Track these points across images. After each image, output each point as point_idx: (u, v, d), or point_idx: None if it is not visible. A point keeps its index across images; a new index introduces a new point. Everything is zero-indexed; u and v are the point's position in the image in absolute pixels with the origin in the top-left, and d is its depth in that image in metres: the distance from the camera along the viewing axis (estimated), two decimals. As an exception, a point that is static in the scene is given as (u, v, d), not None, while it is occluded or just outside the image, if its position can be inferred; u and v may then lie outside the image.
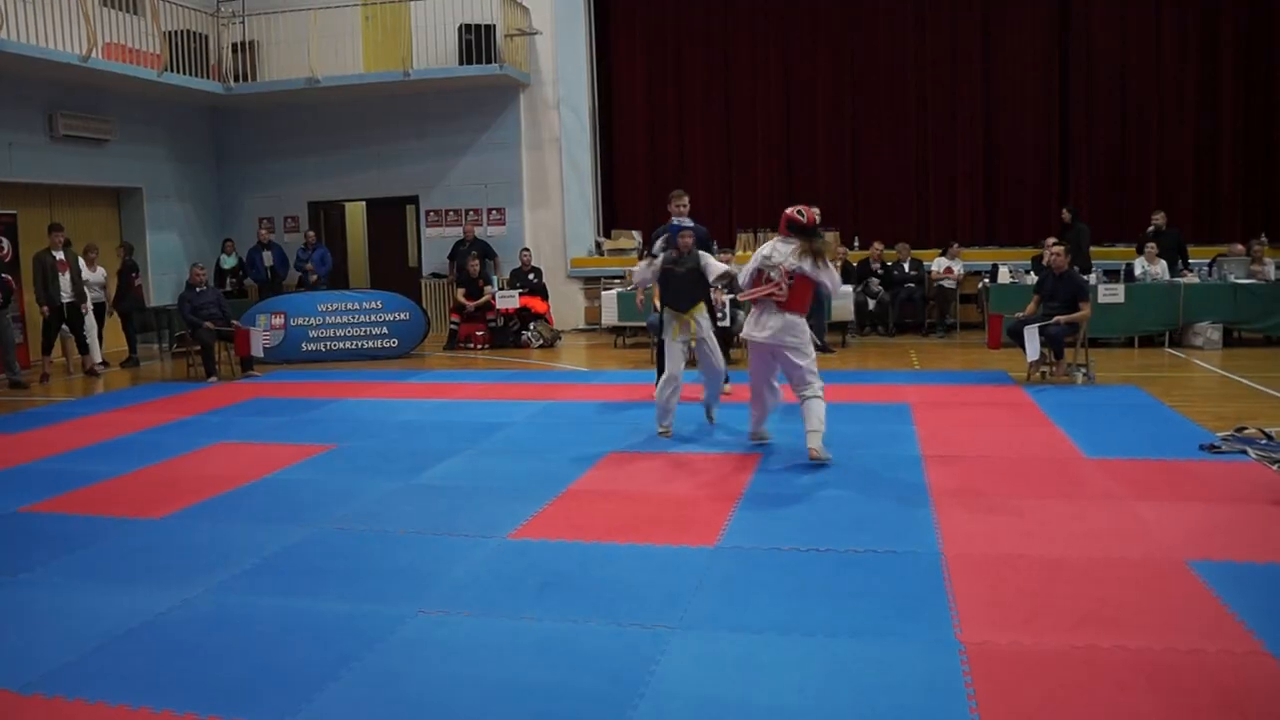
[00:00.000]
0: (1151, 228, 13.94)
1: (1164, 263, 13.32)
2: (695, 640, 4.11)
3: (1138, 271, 13.29)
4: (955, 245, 14.90)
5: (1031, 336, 9.81)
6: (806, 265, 6.90)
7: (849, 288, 13.70)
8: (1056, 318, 10.01)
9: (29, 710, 3.72)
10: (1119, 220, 15.73)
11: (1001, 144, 16.17)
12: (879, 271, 14.79)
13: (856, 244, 15.68)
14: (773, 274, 6.97)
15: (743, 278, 7.22)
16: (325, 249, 16.41)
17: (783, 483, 6.55)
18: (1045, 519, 5.57)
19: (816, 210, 7.18)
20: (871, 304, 14.58)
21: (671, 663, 3.90)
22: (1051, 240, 12.19)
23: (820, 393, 7.00)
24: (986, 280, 14.00)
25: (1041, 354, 10.00)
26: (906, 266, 14.79)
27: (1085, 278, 11.50)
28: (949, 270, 14.54)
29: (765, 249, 7.10)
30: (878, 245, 14.98)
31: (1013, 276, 13.45)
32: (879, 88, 16.51)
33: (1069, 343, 10.17)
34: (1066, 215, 14.52)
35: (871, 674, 3.75)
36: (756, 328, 7.06)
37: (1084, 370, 10.10)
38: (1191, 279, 12.88)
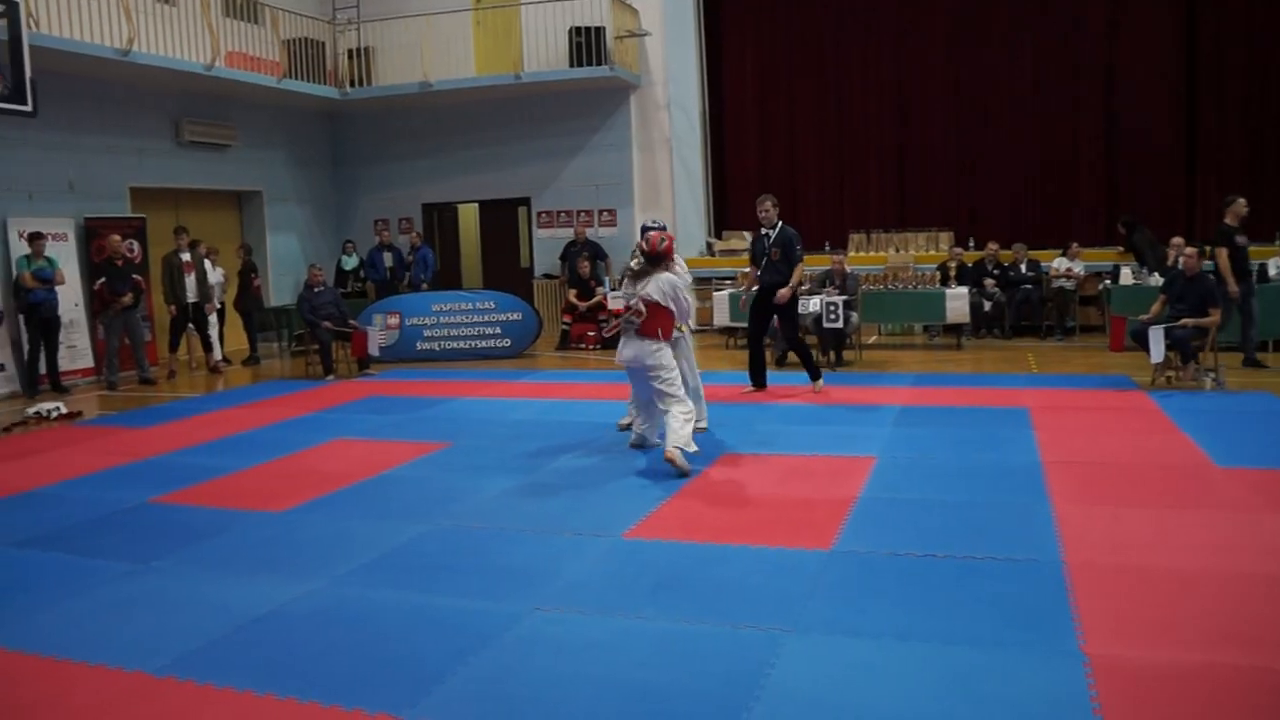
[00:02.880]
0: None
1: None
2: (811, 644, 4.08)
3: (1272, 271, 12.75)
4: (1075, 245, 14.50)
5: (1157, 338, 9.51)
6: (654, 292, 7.18)
7: (964, 289, 13.46)
8: (1184, 320, 9.68)
9: (161, 692, 3.88)
10: (1250, 218, 15.11)
11: (1124, 140, 15.67)
12: (994, 272, 14.48)
13: (971, 244, 15.38)
14: (632, 302, 7.29)
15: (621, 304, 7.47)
16: (428, 248, 16.73)
17: (898, 487, 6.47)
18: (1174, 529, 5.40)
19: (661, 235, 7.36)
20: (987, 305, 14.28)
21: (787, 666, 3.88)
22: (1179, 240, 11.81)
23: (677, 410, 7.15)
24: (1108, 281, 13.61)
25: (1167, 357, 9.69)
26: (1024, 267, 14.45)
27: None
28: (1069, 271, 14.17)
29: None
30: (993, 245, 14.67)
31: (1135, 278, 13.04)
32: (996, 83, 16.15)
33: (1196, 346, 9.83)
34: (1122, 228, 14.08)
35: (991, 685, 3.68)
36: (623, 350, 7.35)
37: (1213, 375, 9.75)
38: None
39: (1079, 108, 15.82)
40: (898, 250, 15.85)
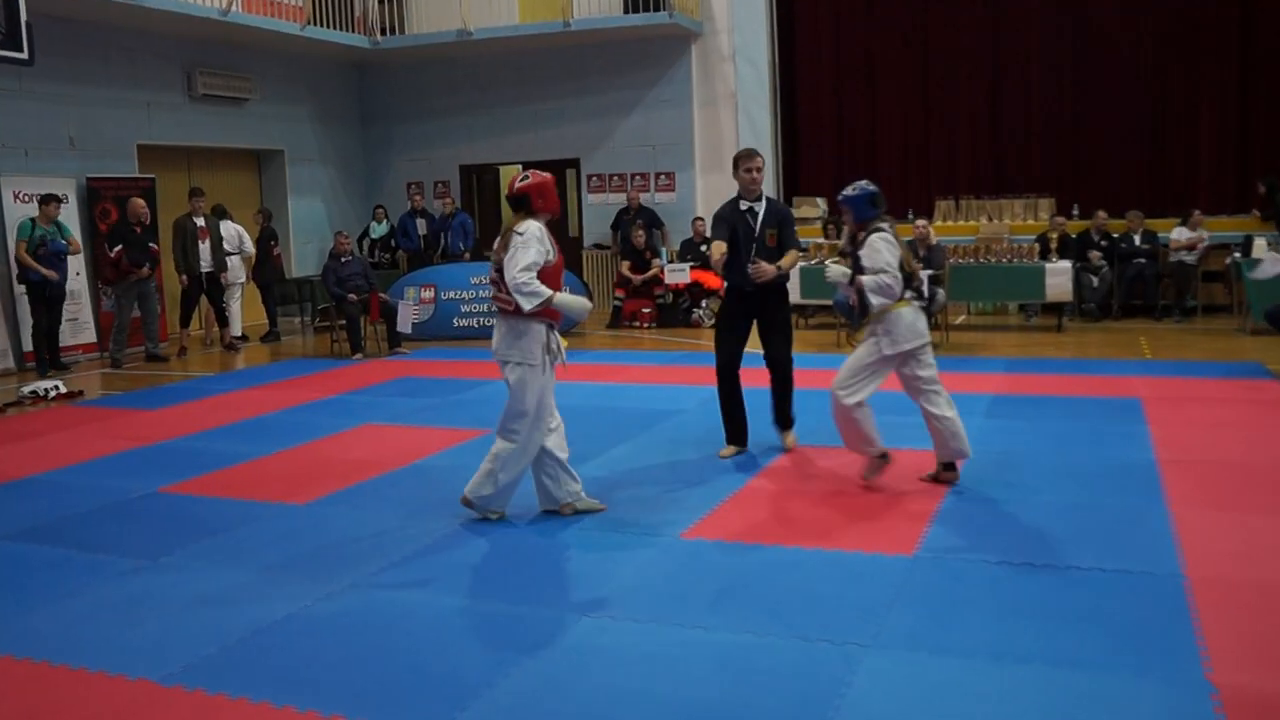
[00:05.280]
0: None
1: None
2: (892, 661, 4.03)
3: None
4: (1197, 213, 14.21)
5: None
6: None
7: (1066, 263, 13.24)
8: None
9: (169, 702, 3.90)
10: None
11: (1258, 93, 15.28)
12: (1101, 244, 14.24)
13: (1076, 212, 15.15)
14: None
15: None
16: (466, 215, 16.80)
17: (991, 485, 6.38)
18: (1312, 539, 5.27)
19: (526, 174, 5.85)
20: (1094, 281, 14.05)
21: (865, 685, 3.83)
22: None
23: (502, 449, 5.79)
24: (1237, 254, 13.33)
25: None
26: (1137, 239, 14.20)
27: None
28: (1190, 243, 13.89)
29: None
30: (1101, 214, 14.43)
31: (1272, 249, 12.73)
32: (1106, 28, 15.81)
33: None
34: (1262, 188, 13.74)
35: (1101, 714, 3.60)
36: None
37: (1357, 363, 9.54)
38: None
39: (1204, 57, 15.43)
40: (991, 219, 15.64)
